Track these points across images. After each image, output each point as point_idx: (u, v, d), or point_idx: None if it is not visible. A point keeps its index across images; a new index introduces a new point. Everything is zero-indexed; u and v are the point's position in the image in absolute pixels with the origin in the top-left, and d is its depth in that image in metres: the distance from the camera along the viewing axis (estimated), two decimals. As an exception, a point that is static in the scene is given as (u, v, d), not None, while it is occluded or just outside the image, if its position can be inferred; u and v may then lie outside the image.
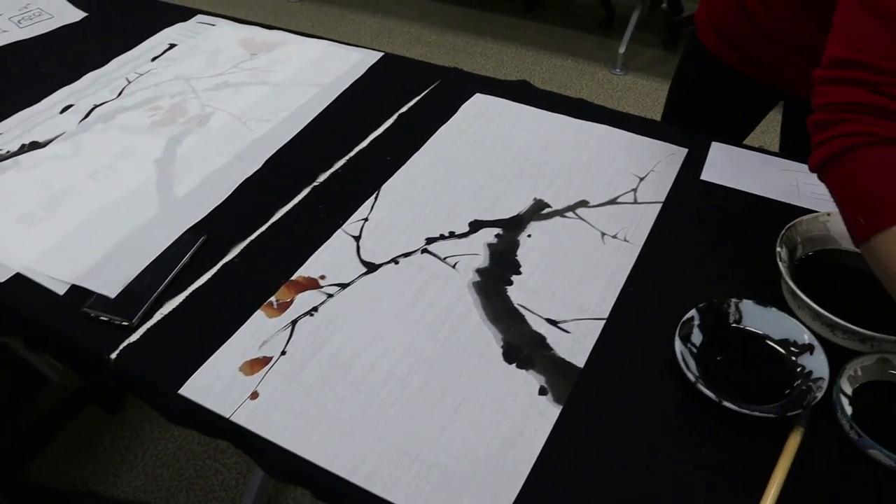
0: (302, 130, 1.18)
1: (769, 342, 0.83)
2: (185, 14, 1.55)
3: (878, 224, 0.70)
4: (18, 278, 0.93)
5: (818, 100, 0.77)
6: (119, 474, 1.64)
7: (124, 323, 0.86)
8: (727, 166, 1.10)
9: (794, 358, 0.81)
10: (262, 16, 3.48)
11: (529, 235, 0.96)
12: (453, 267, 0.92)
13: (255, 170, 1.09)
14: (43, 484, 1.63)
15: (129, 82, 1.33)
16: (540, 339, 0.83)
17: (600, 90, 2.92)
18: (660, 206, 1.01)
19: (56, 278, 0.92)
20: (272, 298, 0.88)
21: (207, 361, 0.81)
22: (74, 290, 0.91)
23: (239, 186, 1.06)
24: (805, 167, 1.04)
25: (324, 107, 1.24)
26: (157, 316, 0.87)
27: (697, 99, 1.28)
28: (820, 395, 0.75)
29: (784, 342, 0.83)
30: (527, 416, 0.75)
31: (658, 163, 1.09)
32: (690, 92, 1.29)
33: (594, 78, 3.00)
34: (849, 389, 0.78)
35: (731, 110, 1.25)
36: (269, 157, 1.12)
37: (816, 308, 0.80)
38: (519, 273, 0.91)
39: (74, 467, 1.65)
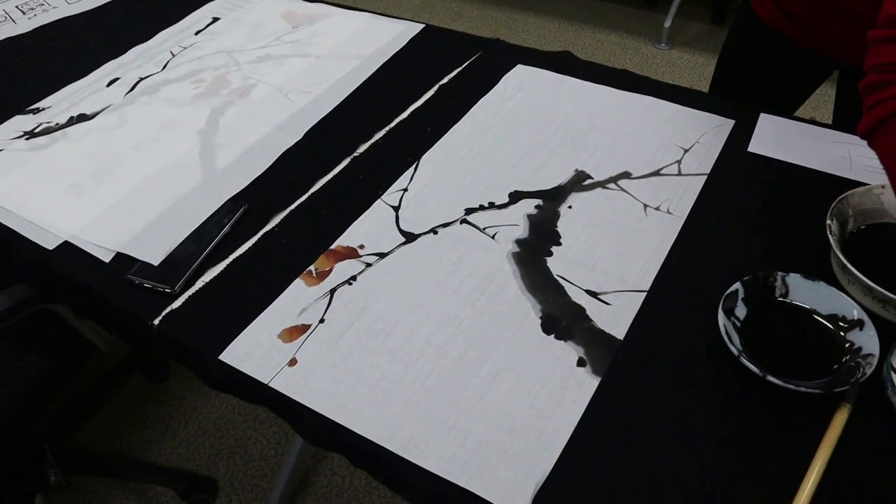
0: (343, 102, 1.18)
1: (817, 317, 0.81)
2: (228, -13, 1.56)
3: None
4: (66, 246, 0.95)
5: (871, 60, 0.74)
6: (163, 441, 1.67)
7: (167, 290, 0.87)
8: (776, 138, 1.07)
9: (842, 333, 0.79)
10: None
11: (570, 207, 0.95)
12: (492, 237, 0.91)
13: (295, 140, 1.09)
14: (91, 450, 1.67)
15: (174, 56, 1.34)
16: (579, 311, 0.81)
17: (644, 65, 2.87)
18: (705, 178, 0.99)
19: (102, 246, 0.94)
20: (311, 267, 0.89)
21: (247, 328, 0.82)
22: (119, 257, 0.92)
23: (280, 157, 1.07)
24: (858, 139, 1.00)
25: (365, 78, 1.23)
26: (199, 283, 0.88)
27: (748, 69, 1.24)
28: (870, 371, 0.73)
29: (832, 317, 0.80)
30: (565, 388, 0.74)
31: (703, 134, 1.06)
32: (741, 62, 1.25)
33: (638, 52, 2.94)
34: (899, 366, 0.76)
35: (782, 81, 1.22)
36: (309, 128, 1.12)
37: (868, 282, 0.78)
38: (559, 244, 0.90)
39: (121, 434, 1.69)
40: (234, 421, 1.70)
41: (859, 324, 0.78)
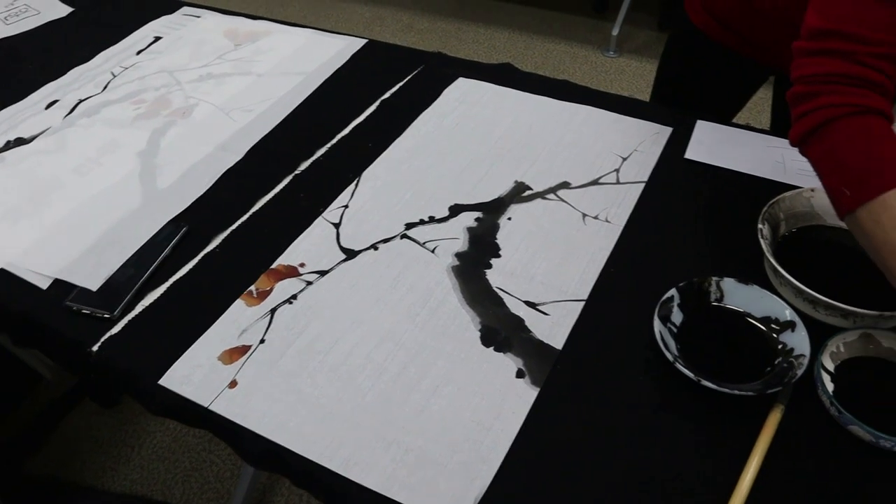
0: (285, 119, 1.18)
1: (750, 320, 0.83)
2: (170, 6, 1.55)
3: (863, 195, 0.70)
4: (2, 274, 0.93)
5: (797, 72, 0.76)
6: (116, 468, 1.64)
7: (106, 315, 0.86)
8: (712, 144, 1.09)
9: (775, 335, 0.81)
10: (255, 7, 3.47)
11: (510, 218, 0.96)
12: (432, 251, 0.91)
13: (236, 160, 1.09)
14: (42, 478, 1.64)
15: (114, 76, 1.33)
16: (518, 322, 0.82)
17: (593, 73, 2.90)
18: (643, 185, 1.00)
19: (39, 273, 0.92)
20: (252, 287, 0.88)
21: (187, 352, 0.81)
22: (58, 284, 0.91)
23: (221, 177, 1.06)
24: (790, 142, 1.03)
25: (307, 95, 1.23)
26: (139, 308, 0.88)
27: (686, 78, 1.27)
28: (801, 371, 0.75)
29: (766, 320, 0.82)
30: (504, 399, 0.75)
31: (642, 142, 1.08)
32: (679, 71, 1.28)
33: (587, 61, 2.98)
34: (831, 366, 0.78)
35: (719, 88, 1.24)
36: (251, 147, 1.12)
37: (797, 284, 0.80)
38: (498, 256, 0.90)
39: (73, 461, 1.66)
40: (190, 443, 1.68)
41: (791, 325, 0.80)
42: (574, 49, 3.07)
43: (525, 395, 0.75)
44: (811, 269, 0.85)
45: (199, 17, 1.50)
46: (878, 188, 0.69)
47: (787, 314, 0.81)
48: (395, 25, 3.32)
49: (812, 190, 0.92)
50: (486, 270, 0.89)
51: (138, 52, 1.40)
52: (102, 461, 1.66)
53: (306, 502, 1.54)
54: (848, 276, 0.87)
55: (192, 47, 1.39)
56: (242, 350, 0.81)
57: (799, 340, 0.78)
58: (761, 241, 0.85)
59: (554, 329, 0.81)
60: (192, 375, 0.79)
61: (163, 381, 0.78)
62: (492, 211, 0.97)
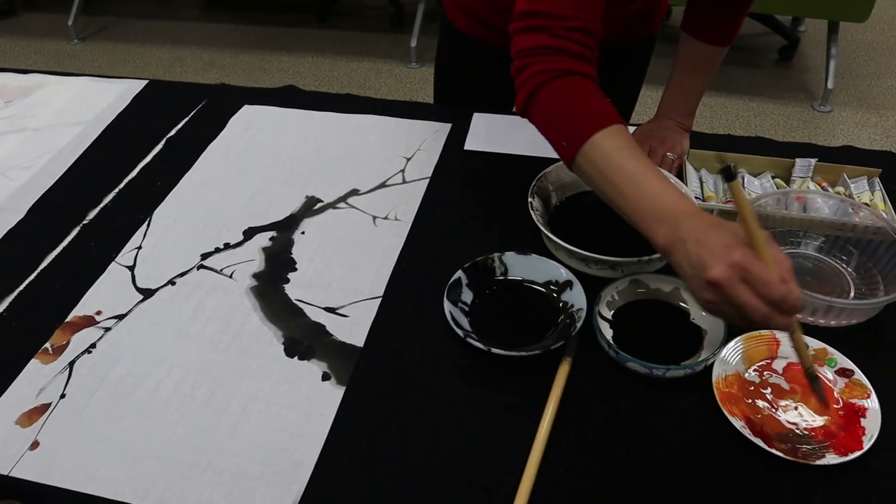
0: (68, 170, 1.14)
1: (534, 286, 0.90)
2: (-71, 72, 1.46)
3: (576, 143, 0.79)
4: None
5: (512, 50, 0.86)
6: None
7: None
8: (489, 133, 1.17)
9: (556, 296, 0.88)
10: (43, 63, 3.30)
11: (303, 232, 0.98)
12: (230, 276, 0.92)
13: (18, 219, 1.05)
14: None
15: None
16: (319, 328, 0.85)
17: (399, 85, 2.99)
18: (427, 181, 1.06)
19: None
20: (47, 344, 0.86)
21: (-20, 422, 0.78)
22: None
23: (2, 239, 1.02)
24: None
25: (89, 143, 1.20)
26: (-78, 389, 0.83)
27: (459, 76, 1.34)
28: (580, 324, 0.82)
29: (547, 283, 0.89)
30: (312, 403, 0.77)
31: (424, 141, 1.14)
32: (452, 71, 1.35)
33: (392, 74, 3.06)
34: (608, 313, 0.86)
35: (489, 81, 1.32)
36: (32, 204, 1.08)
37: (567, 246, 0.87)
38: (295, 270, 0.93)
39: None
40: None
41: (569, 284, 0.88)
42: (378, 65, 3.14)
43: (332, 395, 0.78)
44: (583, 231, 0.93)
45: (-38, 79, 1.43)
46: (586, 134, 0.78)
47: (564, 274, 0.88)
48: (196, 64, 3.26)
49: (574, 160, 1.01)
50: (285, 285, 0.91)
51: None
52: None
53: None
54: (615, 232, 0.96)
55: (-43, 111, 1.32)
56: (42, 409, 0.79)
57: (576, 296, 0.86)
58: (532, 213, 0.92)
59: (354, 329, 0.85)
60: (-11, 445, 0.75)
61: (-44, 459, 0.75)
62: (285, 228, 0.99)
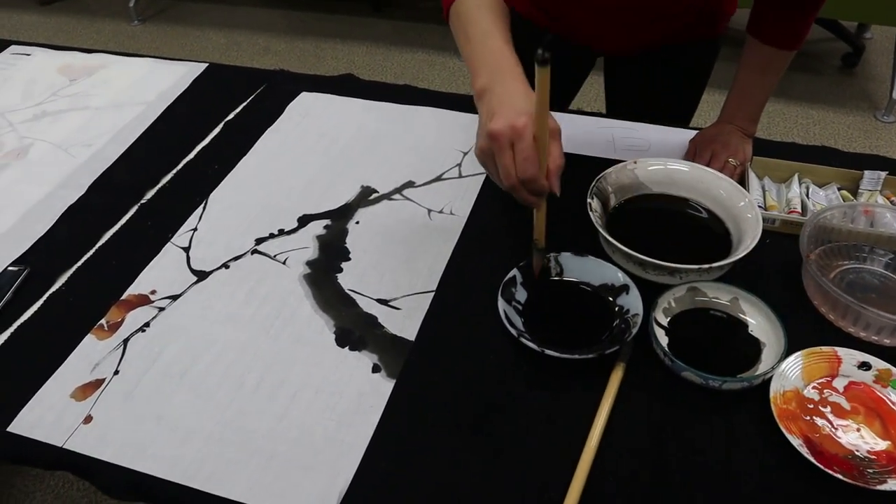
0: (127, 150, 1.16)
1: (589, 288, 0.88)
2: (-2, 47, 1.49)
3: (444, 13, 0.89)
4: None
5: None
6: (-4, 534, 1.56)
7: (-54, 369, 0.82)
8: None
9: (611, 299, 0.86)
10: (104, 43, 3.36)
11: (358, 222, 0.98)
12: (283, 263, 0.92)
13: (78, 196, 1.06)
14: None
15: (-60, 124, 1.27)
16: (371, 320, 0.85)
17: (452, 78, 2.98)
18: (483, 176, 1.05)
19: None
20: (102, 321, 0.87)
21: (37, 394, 0.79)
22: None
23: (63, 215, 1.03)
24: (620, 123, 1.10)
25: (149, 124, 1.22)
26: (-18, 357, 0.84)
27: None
28: (636, 330, 0.80)
29: (603, 287, 0.88)
30: (362, 395, 0.77)
31: (481, 137, 1.12)
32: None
33: (446, 67, 3.05)
34: (664, 320, 0.84)
35: (552, 75, 1.30)
36: (92, 181, 1.09)
37: (625, 250, 0.86)
38: (348, 259, 0.92)
39: (-53, 535, 1.57)
40: (74, 497, 1.61)
41: (625, 288, 0.86)
42: (432, 57, 3.14)
43: (382, 388, 0.77)
44: (641, 235, 0.91)
45: (28, 55, 1.46)
46: (446, 5, 0.88)
47: (621, 278, 0.87)
48: (251, 49, 3.29)
49: (635, 162, 0.99)
50: (338, 275, 0.90)
51: (-34, 98, 1.34)
52: (-21, 530, 1.57)
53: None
54: (674, 237, 0.94)
55: (23, 86, 1.35)
56: (96, 384, 0.80)
57: (633, 301, 0.84)
58: (591, 214, 0.90)
59: (406, 322, 0.84)
60: (45, 417, 0.77)
61: (12, 428, 0.76)
62: (339, 217, 0.99)
